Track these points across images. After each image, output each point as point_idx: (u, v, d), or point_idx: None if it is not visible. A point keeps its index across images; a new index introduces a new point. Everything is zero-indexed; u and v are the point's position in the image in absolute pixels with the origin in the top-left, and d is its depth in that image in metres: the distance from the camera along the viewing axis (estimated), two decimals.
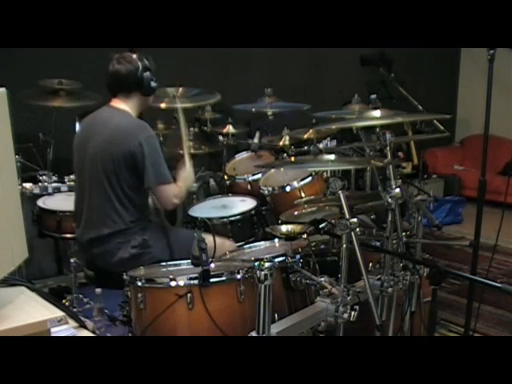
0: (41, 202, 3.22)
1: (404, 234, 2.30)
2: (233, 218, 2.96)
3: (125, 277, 2.16)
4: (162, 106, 3.31)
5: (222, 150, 3.77)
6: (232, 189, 3.38)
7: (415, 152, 4.58)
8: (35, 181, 3.38)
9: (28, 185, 3.33)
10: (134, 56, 2.54)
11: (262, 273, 1.78)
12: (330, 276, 2.13)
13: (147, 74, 2.56)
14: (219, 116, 4.05)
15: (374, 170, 2.99)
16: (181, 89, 3.35)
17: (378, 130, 2.73)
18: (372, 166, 2.79)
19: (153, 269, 2.33)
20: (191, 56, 4.60)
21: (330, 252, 2.56)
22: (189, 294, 1.98)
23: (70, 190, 3.24)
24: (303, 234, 2.35)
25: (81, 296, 3.40)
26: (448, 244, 4.87)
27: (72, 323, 1.55)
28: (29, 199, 3.25)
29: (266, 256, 2.23)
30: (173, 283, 2.02)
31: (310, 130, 3.49)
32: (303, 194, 2.95)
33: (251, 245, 2.65)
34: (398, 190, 2.14)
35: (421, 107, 4.08)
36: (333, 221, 2.31)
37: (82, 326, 1.59)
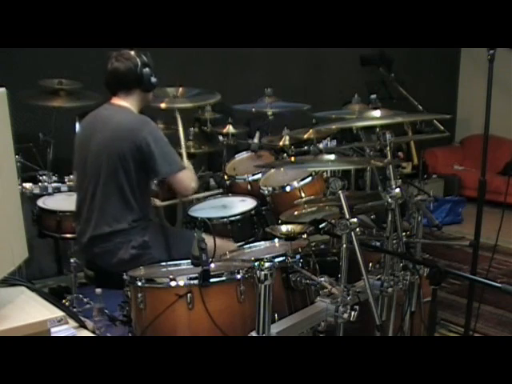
0: (41, 202, 3.22)
1: (404, 234, 2.30)
2: (233, 218, 2.96)
3: (125, 277, 2.16)
4: (162, 105, 3.31)
5: (222, 150, 3.77)
6: (232, 189, 3.38)
7: (415, 152, 4.58)
8: (35, 181, 3.38)
9: (28, 185, 3.33)
10: (132, 53, 2.54)
11: (262, 273, 1.78)
12: (330, 276, 2.13)
13: (146, 70, 2.55)
14: (219, 116, 4.05)
15: (374, 170, 2.99)
16: (181, 89, 3.35)
17: (377, 129, 2.73)
18: (372, 165, 2.79)
19: (153, 269, 2.33)
20: (191, 56, 4.60)
21: (330, 252, 2.56)
22: (189, 294, 1.98)
23: (70, 190, 3.24)
24: (303, 234, 2.35)
25: (81, 296, 3.40)
26: (448, 244, 4.87)
27: (72, 323, 1.55)
28: (29, 199, 3.25)
29: (266, 256, 2.23)
30: (173, 283, 2.02)
31: (310, 130, 3.49)
32: (303, 194, 2.95)
33: (251, 245, 2.65)
34: (397, 189, 2.14)
35: (421, 107, 4.08)
36: (333, 221, 2.31)
37: (82, 325, 1.59)
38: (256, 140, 3.48)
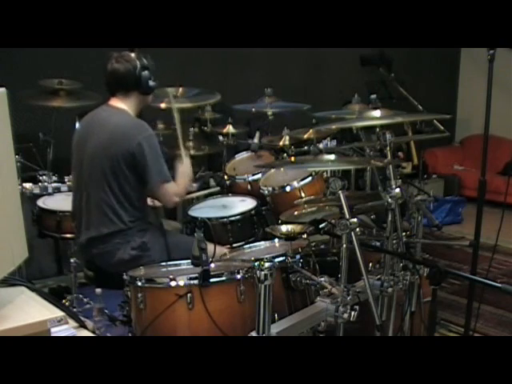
0: (41, 202, 3.22)
1: (404, 234, 2.30)
2: (233, 218, 2.96)
3: (125, 277, 2.16)
4: (162, 105, 3.31)
5: (222, 150, 3.77)
6: (232, 189, 3.38)
7: (415, 152, 4.58)
8: (35, 181, 3.39)
9: (28, 185, 3.33)
10: (133, 55, 2.55)
11: (262, 273, 1.78)
12: (330, 276, 2.13)
13: (145, 72, 2.56)
14: (219, 116, 4.05)
15: (374, 170, 2.99)
16: (181, 89, 3.35)
17: (377, 130, 2.73)
18: (372, 165, 2.79)
19: (153, 269, 2.33)
20: (191, 56, 4.60)
21: (330, 252, 2.56)
22: (189, 294, 1.98)
23: (70, 190, 3.23)
24: (303, 234, 2.35)
25: (81, 296, 3.40)
26: (448, 244, 4.88)
27: (72, 323, 1.55)
28: (29, 199, 3.25)
29: (266, 256, 2.23)
30: (173, 283, 2.02)
31: (310, 130, 3.49)
32: (303, 194, 2.95)
33: (251, 245, 2.66)
34: (397, 190, 2.14)
35: (421, 107, 4.08)
36: (333, 221, 2.31)
37: (82, 326, 1.59)
38: (256, 140, 3.48)
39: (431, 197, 2.40)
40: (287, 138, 3.50)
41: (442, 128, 3.52)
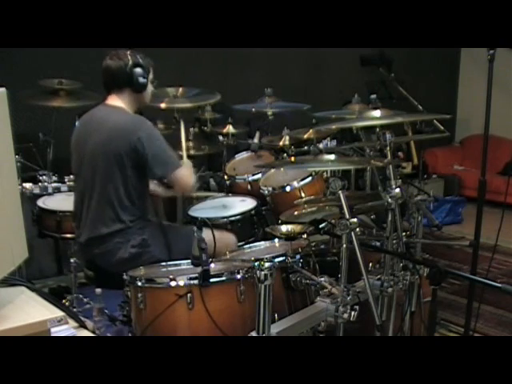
0: (41, 202, 3.22)
1: (404, 234, 2.30)
2: (233, 218, 2.96)
3: (125, 277, 2.16)
4: (162, 106, 3.31)
5: (222, 150, 3.77)
6: (232, 189, 3.38)
7: (415, 152, 4.58)
8: (35, 181, 3.38)
9: (28, 185, 3.33)
10: (128, 52, 2.55)
11: (262, 273, 1.78)
12: (330, 276, 2.13)
13: (137, 70, 2.55)
14: (219, 116, 4.05)
15: (374, 170, 2.99)
16: (181, 89, 3.35)
17: (377, 130, 2.73)
18: (372, 165, 2.79)
19: (153, 269, 2.33)
20: (191, 56, 4.60)
21: (330, 252, 2.56)
22: (189, 294, 1.98)
23: (70, 190, 3.24)
24: (303, 234, 2.35)
25: (81, 296, 3.40)
26: (448, 244, 4.88)
27: (72, 323, 1.55)
28: (29, 199, 3.24)
29: (266, 256, 2.23)
30: (173, 283, 2.02)
31: (310, 130, 3.49)
32: (303, 194, 2.95)
33: (251, 245, 2.66)
34: (397, 190, 2.14)
35: (421, 107, 4.09)
36: (333, 221, 2.31)
37: (82, 326, 1.59)
38: (256, 140, 3.48)
39: (431, 197, 2.40)
40: (287, 138, 3.50)
41: (441, 128, 3.53)
